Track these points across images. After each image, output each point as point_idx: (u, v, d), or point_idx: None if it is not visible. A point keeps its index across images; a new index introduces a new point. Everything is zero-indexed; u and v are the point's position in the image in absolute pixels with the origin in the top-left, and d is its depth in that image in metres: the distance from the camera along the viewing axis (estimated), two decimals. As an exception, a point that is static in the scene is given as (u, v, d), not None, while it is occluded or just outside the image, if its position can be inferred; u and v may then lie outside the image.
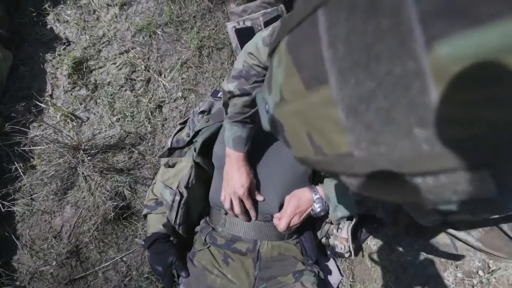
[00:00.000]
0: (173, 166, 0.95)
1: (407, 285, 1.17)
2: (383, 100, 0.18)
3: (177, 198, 0.89)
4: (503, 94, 0.15)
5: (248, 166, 0.85)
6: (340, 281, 1.15)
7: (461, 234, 0.54)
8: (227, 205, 0.86)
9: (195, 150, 0.94)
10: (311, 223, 1.01)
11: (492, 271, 1.21)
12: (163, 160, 0.96)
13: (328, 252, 1.07)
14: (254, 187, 0.88)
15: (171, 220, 0.89)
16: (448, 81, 0.15)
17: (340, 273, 1.15)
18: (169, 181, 0.92)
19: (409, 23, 0.16)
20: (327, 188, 0.81)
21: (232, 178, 0.83)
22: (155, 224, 0.92)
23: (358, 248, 1.15)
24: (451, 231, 0.56)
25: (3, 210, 1.04)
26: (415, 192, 0.20)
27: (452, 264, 1.21)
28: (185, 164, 0.94)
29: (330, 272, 1.09)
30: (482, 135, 0.16)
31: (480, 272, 1.21)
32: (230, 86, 0.74)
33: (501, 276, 1.22)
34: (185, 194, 0.89)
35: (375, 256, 1.19)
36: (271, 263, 0.87)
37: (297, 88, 0.23)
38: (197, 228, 0.98)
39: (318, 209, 0.83)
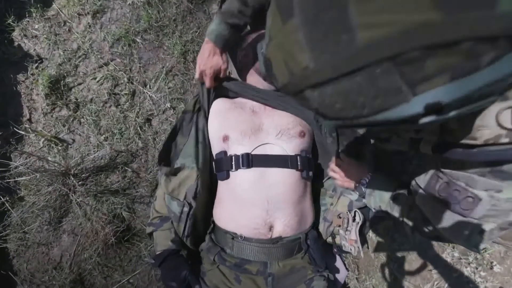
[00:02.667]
0: (175, 174, 0.91)
1: (409, 270, 1.23)
2: (322, 21, 0.27)
3: (186, 209, 0.86)
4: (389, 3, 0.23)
5: (226, 54, 0.89)
6: (346, 275, 1.18)
7: None
8: (197, 76, 0.89)
9: (197, 145, 0.93)
10: (316, 228, 1.02)
11: (485, 248, 1.28)
12: (164, 170, 0.92)
13: (335, 250, 1.09)
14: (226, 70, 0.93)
15: (179, 232, 0.87)
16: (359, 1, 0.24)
17: (346, 268, 1.18)
18: (175, 193, 0.89)
19: None
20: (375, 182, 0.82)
21: (212, 57, 0.86)
22: (163, 241, 0.90)
23: (363, 242, 1.18)
24: None
25: (-5, 249, 0.98)
26: (360, 89, 0.27)
27: (449, 245, 1.27)
28: (189, 173, 0.90)
29: (337, 271, 1.11)
30: (387, 35, 0.24)
31: (475, 250, 1.28)
32: None
33: (494, 251, 1.29)
34: (193, 204, 0.87)
35: (378, 248, 1.23)
36: (283, 279, 0.88)
37: (278, 25, 0.31)
38: (203, 245, 0.97)
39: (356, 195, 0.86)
